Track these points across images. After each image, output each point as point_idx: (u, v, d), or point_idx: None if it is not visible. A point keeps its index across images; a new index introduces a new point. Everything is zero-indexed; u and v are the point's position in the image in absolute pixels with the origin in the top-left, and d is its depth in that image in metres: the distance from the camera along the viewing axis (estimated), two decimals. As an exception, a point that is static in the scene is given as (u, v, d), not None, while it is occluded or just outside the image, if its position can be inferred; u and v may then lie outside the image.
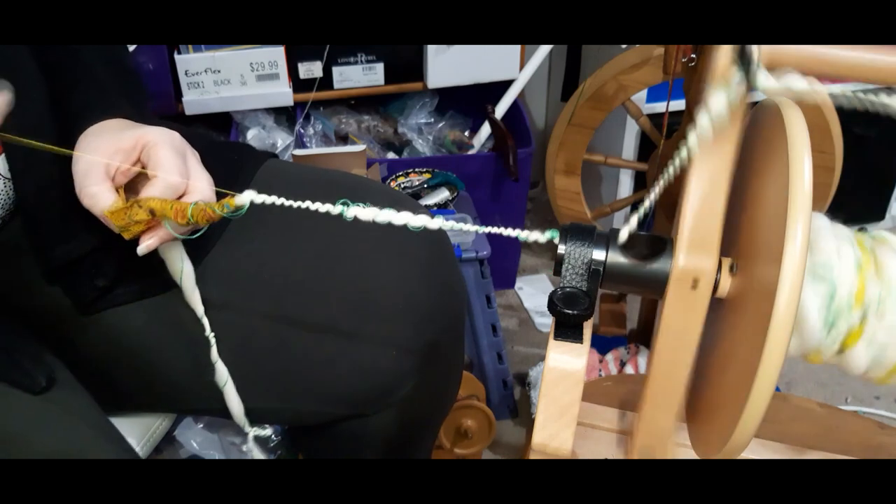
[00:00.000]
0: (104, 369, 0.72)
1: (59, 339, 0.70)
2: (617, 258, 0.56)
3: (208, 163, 0.73)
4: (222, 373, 0.69)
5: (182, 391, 0.75)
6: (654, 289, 0.55)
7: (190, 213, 0.58)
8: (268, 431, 0.73)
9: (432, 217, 0.54)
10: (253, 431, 0.73)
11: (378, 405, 0.75)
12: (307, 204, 0.54)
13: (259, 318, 0.72)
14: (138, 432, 0.77)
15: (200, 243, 0.71)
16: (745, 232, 0.57)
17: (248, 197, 0.56)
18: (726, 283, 0.54)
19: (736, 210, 0.62)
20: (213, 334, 0.68)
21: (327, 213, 0.76)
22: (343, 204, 0.53)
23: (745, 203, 0.59)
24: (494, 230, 0.54)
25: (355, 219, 0.76)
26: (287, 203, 0.54)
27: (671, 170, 0.51)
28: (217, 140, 0.82)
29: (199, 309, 0.68)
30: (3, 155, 0.62)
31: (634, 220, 0.53)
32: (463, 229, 0.53)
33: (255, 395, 0.74)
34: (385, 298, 0.72)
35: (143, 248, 0.61)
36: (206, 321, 0.68)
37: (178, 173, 0.60)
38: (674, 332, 0.54)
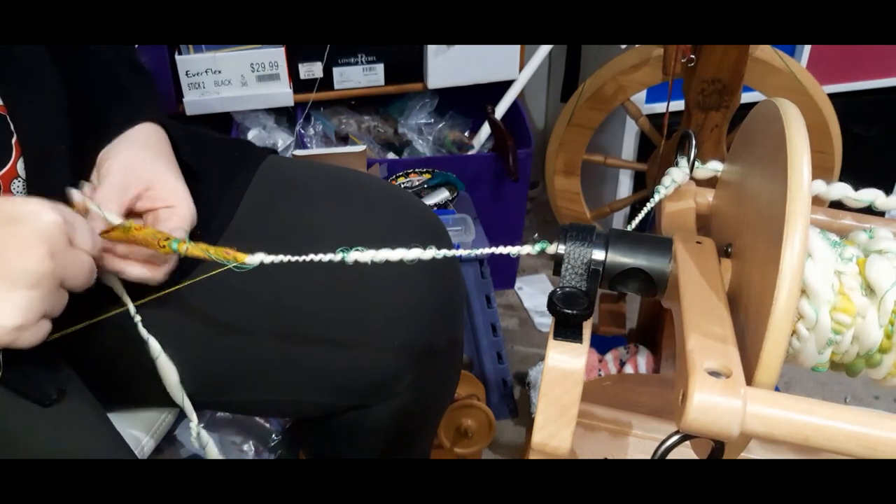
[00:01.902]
0: (101, 361, 0.72)
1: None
2: (616, 258, 0.56)
3: (209, 159, 0.73)
4: (155, 347, 0.69)
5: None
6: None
7: (174, 247, 0.60)
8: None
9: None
10: (194, 422, 0.72)
11: (379, 396, 0.76)
12: (311, 257, 0.58)
13: (263, 310, 0.73)
14: (145, 425, 0.78)
15: (213, 230, 0.72)
16: (743, 232, 0.57)
17: (257, 258, 0.59)
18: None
19: (735, 210, 0.62)
20: (147, 333, 0.68)
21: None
22: (342, 251, 0.58)
23: (744, 203, 0.59)
24: (486, 251, 0.58)
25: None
26: (294, 259, 0.58)
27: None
28: (217, 136, 0.82)
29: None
30: (21, 158, 0.62)
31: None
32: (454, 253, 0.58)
33: (259, 387, 0.75)
34: (386, 293, 0.74)
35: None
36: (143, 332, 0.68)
37: (117, 204, 0.63)
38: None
